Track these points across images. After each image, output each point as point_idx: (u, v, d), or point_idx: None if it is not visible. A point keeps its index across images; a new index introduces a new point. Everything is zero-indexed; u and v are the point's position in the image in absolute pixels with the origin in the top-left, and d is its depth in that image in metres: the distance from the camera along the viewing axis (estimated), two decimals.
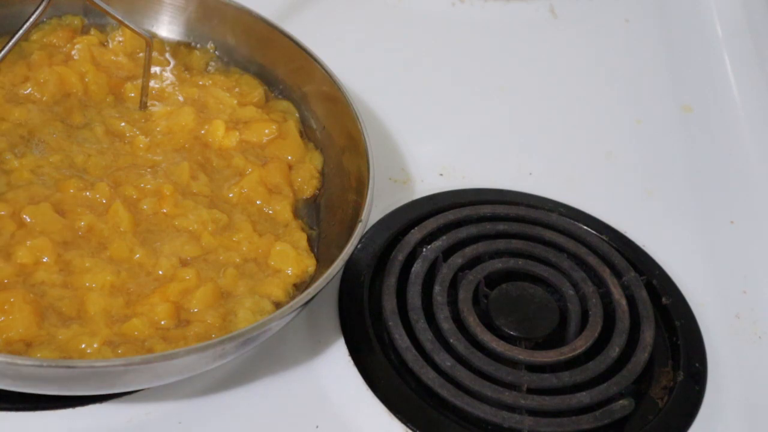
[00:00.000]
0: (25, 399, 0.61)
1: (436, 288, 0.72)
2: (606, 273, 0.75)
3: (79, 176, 0.71)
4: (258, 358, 0.67)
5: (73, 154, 0.73)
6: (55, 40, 0.81)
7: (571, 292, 0.73)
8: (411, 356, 0.67)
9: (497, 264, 0.74)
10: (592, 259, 0.76)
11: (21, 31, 0.69)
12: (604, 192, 0.86)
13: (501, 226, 0.78)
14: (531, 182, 0.84)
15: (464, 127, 0.90)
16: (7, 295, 0.61)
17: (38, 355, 0.59)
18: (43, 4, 0.68)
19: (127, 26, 0.76)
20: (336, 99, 0.78)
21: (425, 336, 0.68)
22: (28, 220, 0.66)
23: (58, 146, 0.73)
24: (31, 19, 0.69)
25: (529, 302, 0.72)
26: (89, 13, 0.82)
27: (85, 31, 0.83)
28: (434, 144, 0.88)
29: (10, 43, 0.69)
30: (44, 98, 0.76)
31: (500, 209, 0.80)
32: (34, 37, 0.80)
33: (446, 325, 0.69)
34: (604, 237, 0.80)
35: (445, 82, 0.95)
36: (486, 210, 0.79)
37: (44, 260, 0.64)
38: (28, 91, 0.76)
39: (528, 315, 0.71)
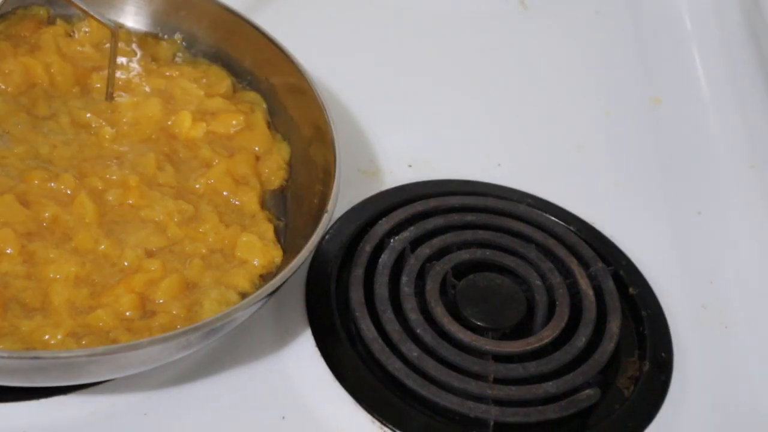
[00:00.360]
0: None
1: (404, 279, 0.71)
2: (573, 263, 0.75)
3: (44, 167, 0.70)
4: (225, 349, 0.67)
5: (38, 145, 0.72)
6: (20, 31, 0.80)
7: (539, 282, 0.73)
8: (377, 347, 0.67)
9: (465, 255, 0.74)
10: (559, 250, 0.76)
11: None
12: (572, 183, 0.86)
13: (469, 217, 0.78)
14: (500, 173, 0.84)
15: (434, 119, 0.90)
16: None
17: (0, 346, 0.58)
18: None
19: (92, 16, 0.75)
20: (303, 90, 0.77)
21: (392, 326, 0.68)
22: None
23: (22, 137, 0.72)
24: None
25: (497, 293, 0.72)
26: (55, 3, 0.82)
27: (51, 21, 0.82)
28: (404, 135, 0.87)
29: None
30: (9, 89, 0.76)
31: (468, 200, 0.80)
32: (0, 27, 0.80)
33: (413, 315, 0.69)
34: (572, 228, 0.80)
35: (415, 73, 0.94)
36: (454, 201, 0.79)
37: (8, 251, 0.64)
38: None
39: (495, 305, 0.71)
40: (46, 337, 0.60)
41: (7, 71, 0.76)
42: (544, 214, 0.80)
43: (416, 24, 1.00)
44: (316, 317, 0.69)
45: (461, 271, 0.74)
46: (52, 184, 0.69)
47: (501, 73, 0.97)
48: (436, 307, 0.70)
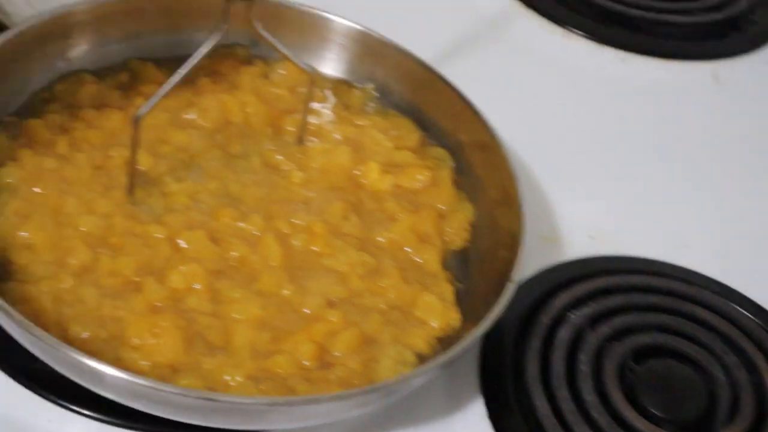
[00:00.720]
0: (162, 423, 0.60)
1: (581, 357, 0.69)
2: (760, 359, 0.72)
3: (234, 206, 0.71)
4: (393, 408, 0.66)
5: (229, 182, 0.73)
6: (220, 68, 0.82)
7: (722, 376, 0.70)
8: (551, 425, 0.65)
9: (645, 338, 0.72)
10: (745, 344, 0.73)
11: (194, 60, 0.70)
12: (761, 273, 0.82)
13: (651, 299, 0.75)
14: (685, 255, 0.81)
15: (619, 190, 0.88)
16: (159, 319, 0.62)
17: (183, 382, 0.59)
18: (216, 36, 0.69)
19: (292, 61, 0.77)
20: (492, 150, 0.76)
21: (567, 406, 0.66)
22: (183, 245, 0.67)
23: (215, 174, 0.74)
24: (205, 50, 0.70)
25: (677, 382, 0.69)
26: (255, 44, 0.83)
27: (249, 61, 0.83)
28: (587, 205, 0.85)
29: (183, 71, 0.69)
30: (206, 125, 0.77)
31: (652, 281, 0.77)
32: (202, 63, 0.81)
33: (589, 397, 0.67)
34: (759, 321, 0.76)
35: (602, 141, 0.92)
36: (637, 280, 0.77)
37: (196, 287, 0.65)
38: (191, 117, 0.77)
39: (674, 395, 0.68)
40: (226, 377, 0.60)
41: (205, 107, 0.78)
42: (730, 303, 0.77)
43: (605, 93, 0.98)
44: (489, 387, 0.68)
45: (639, 353, 0.71)
46: (241, 224, 0.70)
47: (691, 149, 0.94)
48: (613, 390, 0.68)
